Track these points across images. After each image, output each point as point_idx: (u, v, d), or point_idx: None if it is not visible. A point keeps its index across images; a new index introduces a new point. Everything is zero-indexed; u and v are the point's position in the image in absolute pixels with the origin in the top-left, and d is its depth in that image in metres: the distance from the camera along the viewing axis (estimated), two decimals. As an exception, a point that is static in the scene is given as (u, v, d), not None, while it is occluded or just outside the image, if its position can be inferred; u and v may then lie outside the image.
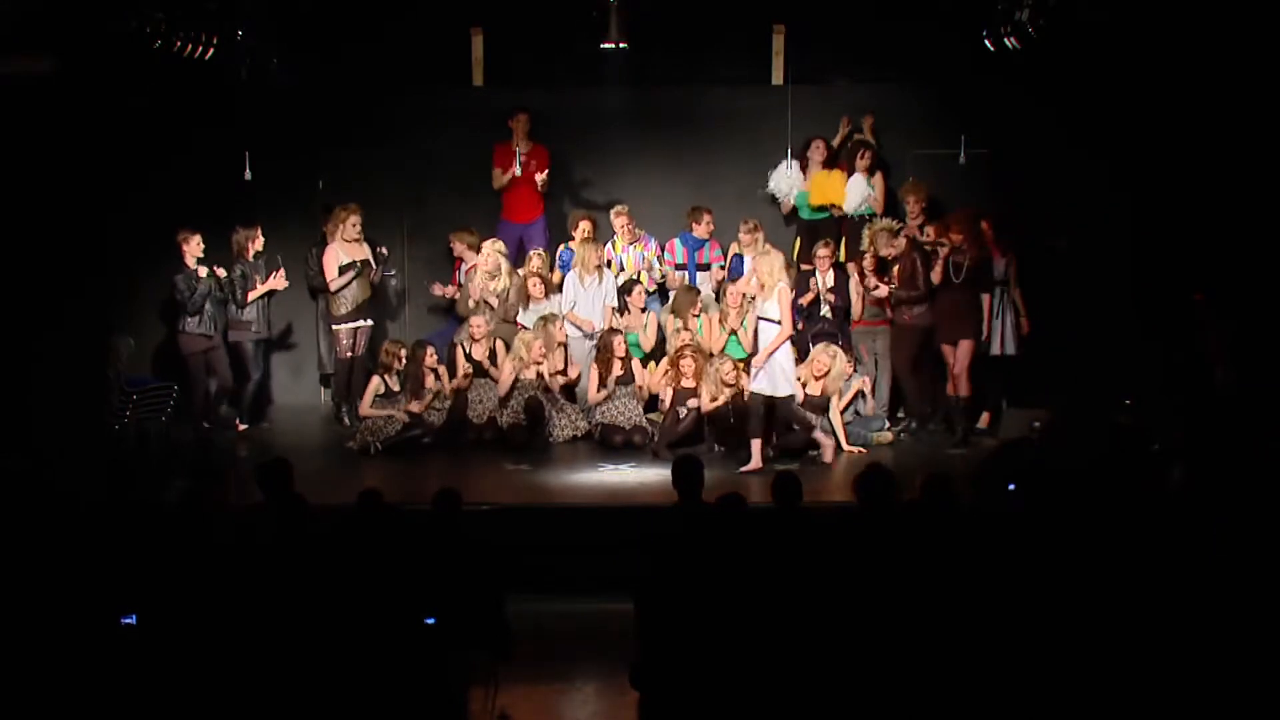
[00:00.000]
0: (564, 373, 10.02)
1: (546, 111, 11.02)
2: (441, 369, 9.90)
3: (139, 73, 9.56)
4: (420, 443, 9.60)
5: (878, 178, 10.65)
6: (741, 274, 10.06)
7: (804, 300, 10.23)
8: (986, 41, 10.00)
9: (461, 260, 10.75)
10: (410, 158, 11.14)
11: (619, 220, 10.69)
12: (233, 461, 9.44)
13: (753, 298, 9.31)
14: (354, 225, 10.35)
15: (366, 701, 5.29)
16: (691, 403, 9.49)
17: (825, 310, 10.23)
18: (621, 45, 10.69)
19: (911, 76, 10.98)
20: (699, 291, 10.31)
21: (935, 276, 9.62)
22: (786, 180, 10.77)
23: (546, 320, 9.99)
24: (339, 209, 10.43)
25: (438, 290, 10.74)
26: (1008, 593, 5.37)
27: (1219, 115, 9.78)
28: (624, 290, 10.36)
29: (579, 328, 10.28)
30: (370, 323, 10.60)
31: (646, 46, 11.01)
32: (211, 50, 9.70)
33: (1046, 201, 10.49)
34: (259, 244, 10.38)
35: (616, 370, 9.87)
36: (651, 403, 10.02)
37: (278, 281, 10.36)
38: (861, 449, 9.50)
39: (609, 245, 10.65)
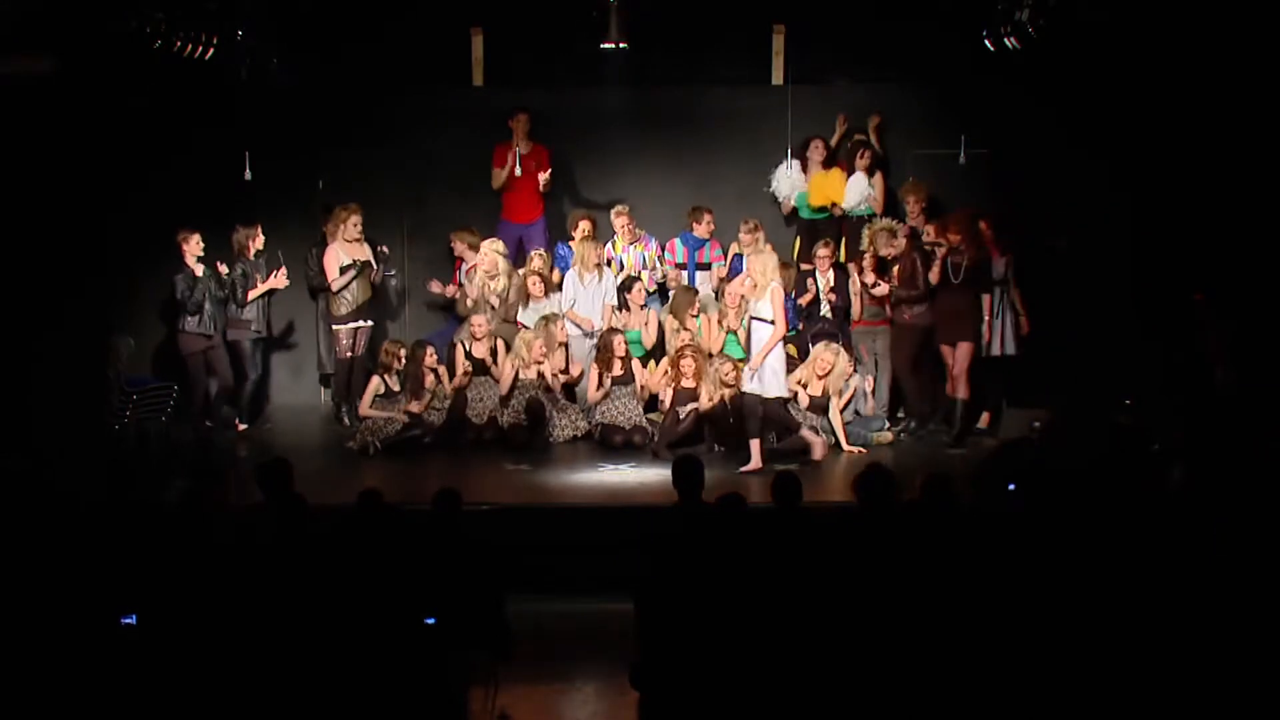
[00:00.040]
0: (565, 371, 10.03)
1: (546, 111, 11.02)
2: (441, 369, 9.90)
3: (139, 73, 9.56)
4: (420, 443, 9.60)
5: (877, 178, 10.66)
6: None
7: (803, 300, 10.23)
8: (986, 41, 10.00)
9: (462, 260, 10.75)
10: (410, 158, 11.14)
11: (619, 220, 10.69)
12: (233, 461, 9.44)
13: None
14: (355, 225, 10.36)
15: (367, 701, 5.29)
16: (692, 405, 9.49)
17: (825, 310, 10.24)
18: (621, 45, 10.70)
19: (911, 76, 10.98)
20: (696, 292, 10.31)
21: (933, 277, 9.62)
22: (787, 180, 10.77)
23: (548, 320, 10.00)
24: (339, 209, 10.44)
25: (435, 288, 10.73)
26: (1008, 593, 5.37)
27: (1219, 115, 9.78)
28: (624, 288, 10.35)
29: (578, 326, 10.28)
30: (370, 323, 10.60)
31: (646, 46, 11.01)
32: (211, 50, 9.71)
33: (1046, 201, 10.49)
34: (259, 243, 10.38)
35: (616, 370, 9.87)
36: (651, 403, 10.02)
37: (278, 280, 10.36)
38: (861, 449, 9.49)
39: (609, 245, 10.66)
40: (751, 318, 8.97)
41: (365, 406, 9.73)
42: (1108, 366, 9.86)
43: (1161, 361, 9.85)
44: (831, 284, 10.26)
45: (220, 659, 5.30)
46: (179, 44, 9.45)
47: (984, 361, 9.87)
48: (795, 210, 10.88)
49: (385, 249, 10.86)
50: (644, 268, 10.61)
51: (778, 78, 11.27)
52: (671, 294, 10.47)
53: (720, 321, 10.06)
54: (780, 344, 8.95)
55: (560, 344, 10.02)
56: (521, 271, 10.51)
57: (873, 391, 10.14)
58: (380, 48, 10.95)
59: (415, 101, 11.21)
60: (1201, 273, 9.92)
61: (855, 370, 9.96)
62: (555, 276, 10.61)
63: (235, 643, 5.34)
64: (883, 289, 9.93)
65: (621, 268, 10.65)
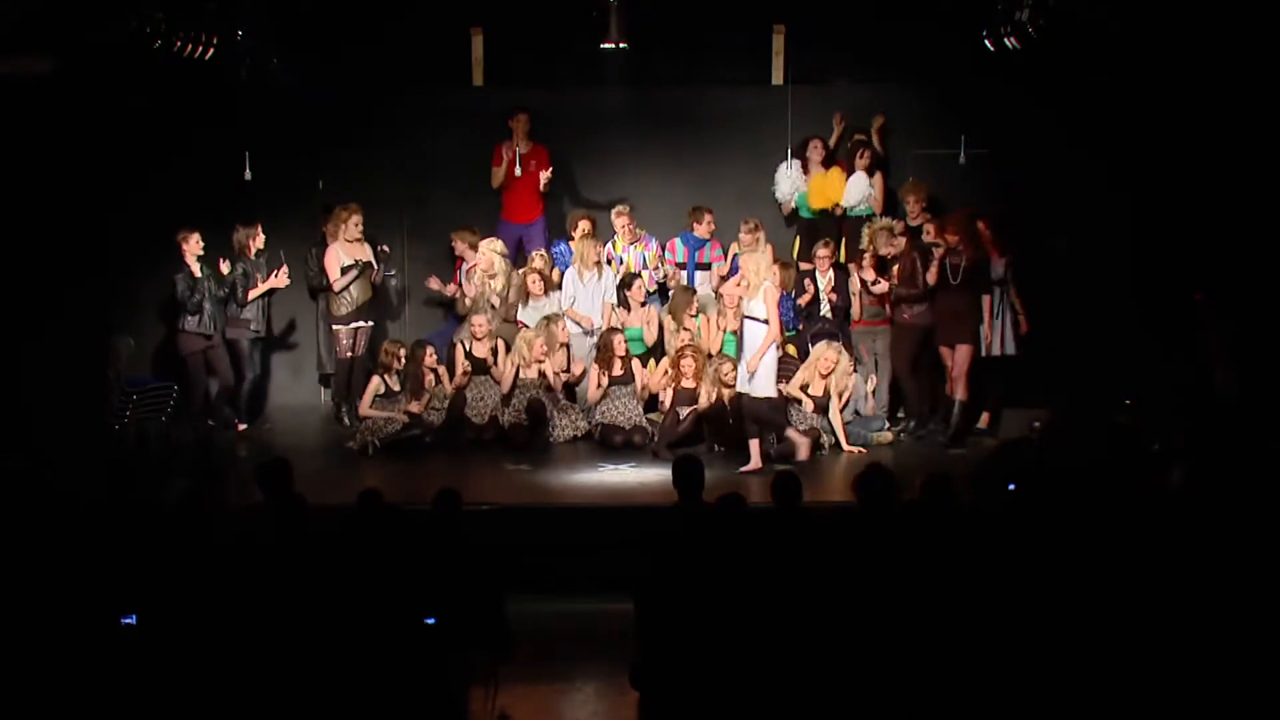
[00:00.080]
0: (567, 370, 10.03)
1: (546, 111, 11.02)
2: (441, 369, 9.90)
3: (139, 73, 9.56)
4: (420, 442, 9.60)
5: (877, 177, 10.66)
6: (743, 274, 10.06)
7: (802, 300, 10.23)
8: (986, 41, 10.00)
9: (462, 260, 10.76)
10: (410, 158, 11.14)
11: (620, 220, 10.69)
12: (233, 461, 9.44)
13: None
14: (355, 225, 10.35)
15: (367, 702, 5.29)
16: (692, 408, 9.49)
17: (825, 310, 10.23)
18: (621, 45, 10.70)
19: (911, 76, 10.98)
20: (695, 292, 10.31)
21: (930, 278, 9.61)
22: (788, 181, 10.78)
23: (549, 320, 10.00)
24: (339, 209, 10.43)
25: (435, 284, 10.73)
26: (1008, 593, 5.37)
27: (1219, 115, 9.78)
28: (624, 285, 10.34)
29: (578, 323, 10.28)
30: (370, 323, 10.60)
31: (646, 46, 11.02)
32: (211, 50, 9.70)
33: (1046, 201, 10.49)
34: (259, 242, 10.39)
35: (616, 370, 9.88)
36: (651, 403, 10.03)
37: (279, 280, 10.37)
38: (861, 449, 9.50)
39: (609, 245, 10.66)
40: (744, 317, 8.95)
41: (365, 406, 9.73)
42: (1108, 366, 9.85)
43: (1161, 361, 9.85)
44: (832, 284, 10.26)
45: (220, 659, 5.29)
46: (179, 44, 9.44)
47: (984, 362, 9.87)
48: (795, 210, 10.88)
49: (385, 248, 10.87)
50: (644, 267, 10.61)
51: (778, 78, 11.27)
52: (671, 293, 10.48)
53: (718, 322, 10.05)
54: (774, 344, 8.95)
55: (562, 344, 10.02)
56: (521, 271, 10.51)
57: (873, 391, 10.14)
58: (380, 48, 10.95)
59: (415, 101, 11.21)
60: (1201, 273, 9.92)
61: (855, 370, 9.96)
62: (555, 275, 10.61)
63: (235, 643, 5.34)
64: (882, 286, 9.94)
65: (622, 267, 10.65)
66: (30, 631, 5.31)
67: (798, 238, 10.87)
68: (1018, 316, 10.03)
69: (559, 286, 10.48)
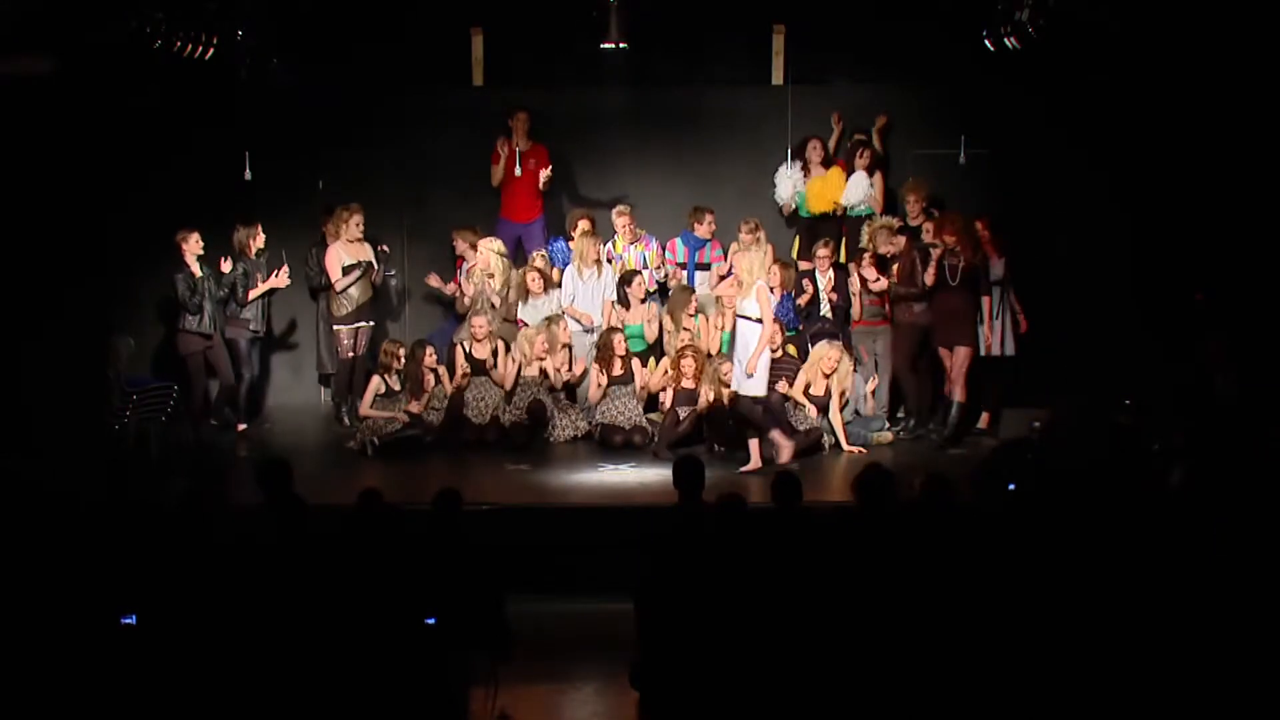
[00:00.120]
0: (569, 369, 10.03)
1: (546, 111, 11.03)
2: (441, 369, 9.90)
3: (139, 73, 9.56)
4: (420, 442, 9.60)
5: (877, 177, 10.66)
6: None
7: (802, 300, 10.23)
8: (986, 41, 10.00)
9: (463, 259, 10.75)
10: (410, 158, 11.15)
11: (621, 220, 10.68)
12: (233, 461, 9.44)
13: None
14: (357, 225, 10.35)
15: (367, 702, 5.29)
16: (692, 409, 9.50)
17: (825, 310, 10.23)
18: (621, 45, 10.70)
19: (911, 76, 10.98)
20: (693, 291, 10.31)
21: (928, 278, 9.61)
22: (788, 182, 10.77)
23: (551, 321, 9.99)
24: (340, 209, 10.43)
25: (435, 282, 10.73)
26: (1007, 593, 5.37)
27: (1219, 115, 9.78)
28: (624, 281, 10.33)
29: (578, 321, 10.28)
30: (371, 323, 10.59)
31: (646, 46, 11.02)
32: (211, 50, 9.70)
33: (1046, 201, 10.49)
34: (260, 241, 10.38)
35: (616, 369, 9.88)
36: (651, 403, 10.02)
37: (280, 280, 10.36)
38: (861, 449, 9.50)
39: (609, 245, 10.66)
40: (737, 315, 8.93)
41: (366, 406, 9.73)
42: (1108, 366, 9.85)
43: (1161, 361, 9.85)
44: (831, 284, 10.26)
45: (220, 659, 5.29)
46: (179, 44, 9.45)
47: (984, 362, 9.87)
48: (795, 210, 10.88)
49: (385, 248, 10.86)
50: (645, 267, 10.61)
51: (778, 78, 11.28)
52: (671, 292, 10.48)
53: (716, 321, 10.05)
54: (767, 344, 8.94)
55: (564, 345, 10.01)
56: (521, 270, 10.51)
57: (872, 391, 10.13)
58: (380, 48, 10.95)
59: (415, 101, 11.21)
60: (1201, 273, 9.92)
61: (855, 370, 9.96)
62: (555, 275, 10.61)
63: (235, 643, 5.34)
64: (882, 283, 9.93)
65: (621, 265, 10.64)
66: (30, 631, 5.32)
67: (797, 237, 10.87)
68: (1017, 317, 10.03)
69: (559, 285, 10.48)
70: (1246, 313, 9.53)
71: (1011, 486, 6.39)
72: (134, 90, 9.73)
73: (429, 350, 9.83)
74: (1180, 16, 9.26)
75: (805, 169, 10.77)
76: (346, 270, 10.30)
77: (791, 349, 9.91)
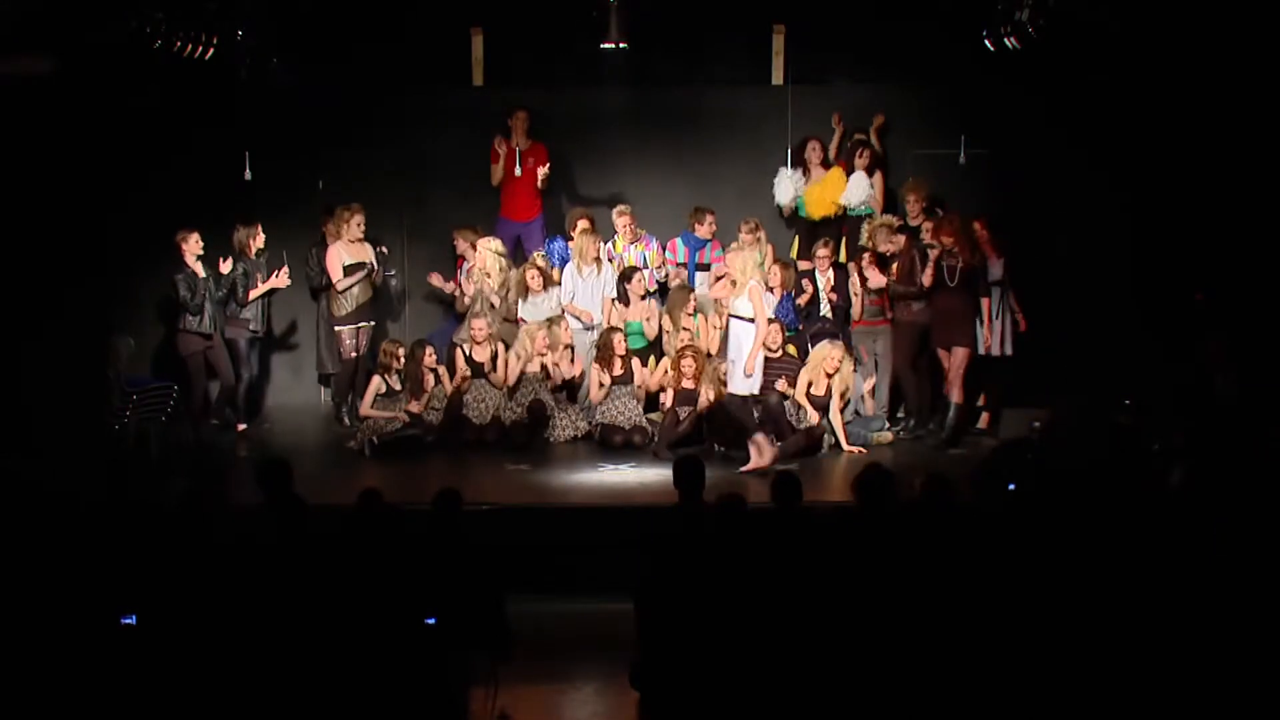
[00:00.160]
0: (570, 364, 10.04)
1: (546, 111, 11.03)
2: (441, 369, 9.90)
3: (139, 73, 9.56)
4: (420, 442, 9.60)
5: (877, 177, 10.66)
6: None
7: (802, 300, 10.23)
8: (986, 41, 10.00)
9: (464, 259, 10.76)
10: (410, 158, 11.14)
11: (621, 220, 10.68)
12: (233, 461, 9.44)
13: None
14: (357, 225, 10.34)
15: (367, 702, 5.29)
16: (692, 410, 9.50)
17: (825, 310, 10.23)
18: (621, 45, 10.70)
19: (911, 76, 10.99)
20: (692, 290, 10.31)
21: (926, 279, 9.60)
22: (788, 185, 10.78)
23: (552, 322, 9.99)
24: (341, 209, 10.43)
25: (436, 280, 10.73)
26: (1007, 593, 5.37)
27: (1219, 115, 9.78)
28: (624, 278, 10.32)
29: (578, 318, 10.28)
30: (372, 323, 10.59)
31: (646, 46, 11.02)
32: (211, 50, 9.70)
33: (1046, 201, 10.49)
34: (260, 242, 10.38)
35: (616, 369, 9.88)
36: (651, 403, 10.02)
37: (280, 280, 10.36)
38: (861, 449, 9.49)
39: (609, 244, 10.65)
40: (730, 315, 8.91)
41: (366, 406, 9.73)
42: (1108, 366, 9.85)
43: (1161, 361, 9.85)
44: (831, 283, 10.25)
45: (220, 659, 5.30)
46: (179, 44, 9.45)
47: (983, 362, 9.86)
48: (795, 211, 10.88)
49: (385, 249, 10.86)
50: (645, 267, 10.61)
51: (778, 78, 11.28)
52: (670, 292, 10.48)
53: (715, 321, 10.04)
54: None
55: (565, 345, 10.00)
56: (521, 268, 10.51)
57: (872, 391, 10.13)
58: (380, 48, 10.95)
59: (415, 101, 11.21)
60: (1201, 273, 9.92)
61: (855, 370, 9.96)
62: (555, 273, 10.61)
63: (235, 643, 5.34)
64: (881, 281, 9.93)
65: (621, 263, 10.64)
66: (30, 631, 5.32)
67: (797, 237, 10.87)
68: (1016, 317, 10.02)
69: (559, 283, 10.47)
70: (1246, 313, 9.53)
71: (1011, 486, 6.39)
72: (134, 90, 9.73)
73: (429, 350, 9.83)
74: (1180, 16, 9.26)
75: (805, 172, 10.76)
76: (349, 270, 10.30)
77: (791, 349, 9.91)
